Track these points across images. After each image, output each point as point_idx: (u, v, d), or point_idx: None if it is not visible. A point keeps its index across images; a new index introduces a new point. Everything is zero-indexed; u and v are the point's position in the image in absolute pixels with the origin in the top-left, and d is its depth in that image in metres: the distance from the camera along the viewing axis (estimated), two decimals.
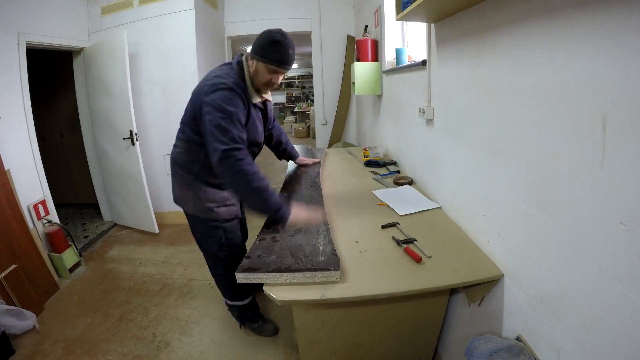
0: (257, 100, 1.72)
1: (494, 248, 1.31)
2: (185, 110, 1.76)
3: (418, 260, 1.30)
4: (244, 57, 1.67)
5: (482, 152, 1.37)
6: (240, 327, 2.28)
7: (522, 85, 1.09)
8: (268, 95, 1.84)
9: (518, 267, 1.16)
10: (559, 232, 0.94)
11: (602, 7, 0.76)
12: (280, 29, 1.57)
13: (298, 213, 1.60)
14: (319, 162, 2.66)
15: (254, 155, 1.86)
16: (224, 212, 1.85)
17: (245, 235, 2.31)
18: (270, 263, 1.29)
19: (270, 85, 1.68)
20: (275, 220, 1.60)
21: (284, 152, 2.47)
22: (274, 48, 1.55)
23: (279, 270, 1.23)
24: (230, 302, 2.17)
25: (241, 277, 1.25)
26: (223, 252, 1.92)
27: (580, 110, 0.84)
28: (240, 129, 1.55)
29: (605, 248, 0.79)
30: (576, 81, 0.85)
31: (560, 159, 0.93)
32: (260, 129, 1.83)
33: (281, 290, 1.20)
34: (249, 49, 8.82)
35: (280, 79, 1.68)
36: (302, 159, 2.64)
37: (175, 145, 1.85)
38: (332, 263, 1.24)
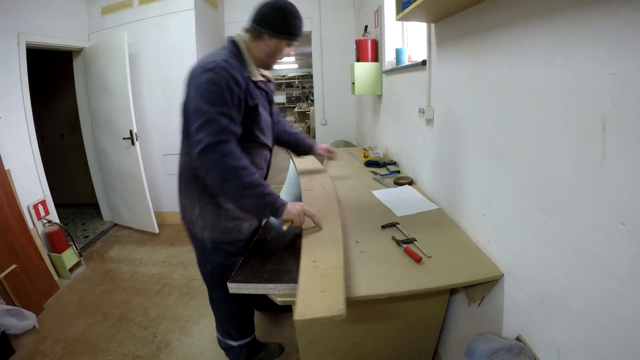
0: (258, 77, 1.47)
1: (494, 248, 1.31)
2: (182, 116, 1.50)
3: (418, 260, 1.30)
4: (238, 37, 1.46)
5: (482, 152, 1.37)
6: None
7: (522, 85, 1.08)
8: (268, 73, 1.59)
9: (518, 267, 1.16)
10: (559, 232, 0.94)
11: (602, 7, 0.76)
12: (290, 3, 1.44)
13: (296, 210, 1.38)
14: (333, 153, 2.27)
15: (267, 153, 1.63)
16: (247, 230, 1.60)
17: None
18: (264, 272, 1.26)
19: (281, 58, 1.51)
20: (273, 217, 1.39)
21: (297, 144, 2.07)
22: (295, 22, 1.44)
23: (275, 280, 1.20)
24: (235, 343, 1.80)
25: (233, 287, 1.22)
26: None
27: (580, 110, 0.84)
28: (232, 115, 1.31)
29: (605, 248, 0.79)
30: (576, 81, 0.85)
31: (560, 159, 0.93)
32: (267, 116, 1.55)
33: None
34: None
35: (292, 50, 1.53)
36: (319, 146, 2.21)
37: (181, 159, 1.58)
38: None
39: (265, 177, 1.68)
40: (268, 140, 1.59)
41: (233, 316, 1.77)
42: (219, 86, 1.27)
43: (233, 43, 1.45)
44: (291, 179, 2.46)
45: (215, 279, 1.64)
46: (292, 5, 1.43)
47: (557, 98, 0.93)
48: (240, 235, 1.57)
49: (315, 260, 1.24)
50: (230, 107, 1.30)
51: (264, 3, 1.40)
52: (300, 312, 0.98)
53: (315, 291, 1.06)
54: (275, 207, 1.34)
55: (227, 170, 1.27)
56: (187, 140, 1.49)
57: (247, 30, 1.44)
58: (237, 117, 1.34)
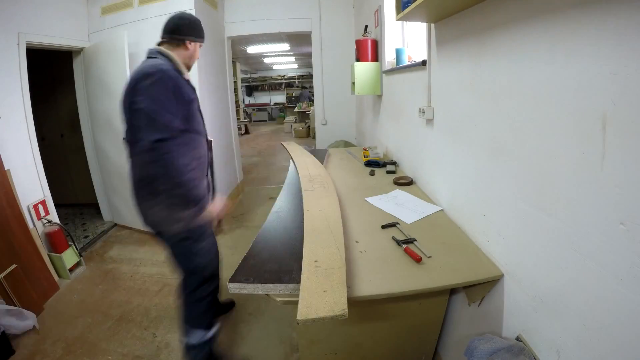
0: (188, 76, 1.73)
1: (494, 248, 1.31)
2: (125, 125, 1.52)
3: (418, 260, 1.30)
4: (164, 47, 1.68)
5: (483, 152, 1.37)
6: None
7: (523, 85, 1.08)
8: (186, 75, 1.74)
9: (518, 267, 1.16)
10: (559, 232, 0.94)
11: (602, 7, 0.76)
12: (182, 11, 1.77)
13: (216, 206, 1.69)
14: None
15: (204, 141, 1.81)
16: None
17: None
18: (264, 272, 1.25)
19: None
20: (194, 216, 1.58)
21: None
22: (201, 26, 1.75)
23: (275, 281, 1.20)
24: (195, 342, 1.84)
25: (233, 287, 1.21)
26: (209, 257, 1.83)
27: (580, 110, 0.84)
28: (172, 112, 1.47)
29: (605, 248, 0.79)
30: (576, 81, 0.85)
31: (560, 158, 0.93)
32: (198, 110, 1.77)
33: None
34: (248, 49, 8.77)
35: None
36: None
37: (131, 166, 1.58)
38: None
39: (210, 164, 1.91)
40: (204, 130, 1.83)
41: (200, 299, 1.90)
42: (162, 86, 1.46)
43: (159, 53, 1.65)
44: (291, 179, 2.46)
45: (192, 267, 1.83)
46: (191, 14, 1.74)
47: (557, 98, 0.93)
48: (207, 216, 1.70)
49: (317, 260, 1.24)
50: (173, 104, 1.49)
51: (174, 17, 1.70)
52: (303, 313, 0.97)
53: (318, 291, 1.06)
54: (199, 205, 1.59)
55: (169, 168, 1.44)
56: (134, 149, 1.52)
57: (164, 42, 1.70)
58: (177, 115, 1.51)
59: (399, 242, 1.44)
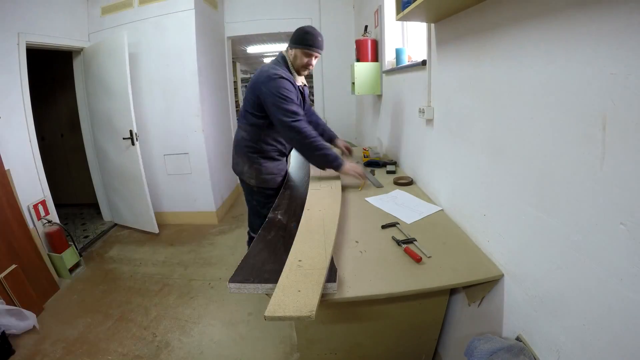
0: (298, 82, 2.18)
1: (494, 248, 1.31)
2: (245, 99, 2.19)
3: (418, 260, 1.30)
4: (285, 52, 2.16)
5: (482, 151, 1.37)
6: None
7: (522, 85, 1.08)
8: (302, 79, 2.29)
9: (518, 267, 1.16)
10: (559, 232, 0.94)
11: (602, 7, 0.76)
12: (310, 25, 2.14)
13: (351, 166, 2.11)
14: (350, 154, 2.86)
15: None
16: (280, 181, 2.33)
17: None
18: (264, 272, 1.25)
19: (307, 66, 2.14)
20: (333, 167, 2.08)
21: (322, 134, 2.68)
22: (306, 36, 2.05)
23: (275, 281, 1.18)
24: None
25: (233, 287, 1.21)
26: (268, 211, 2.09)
27: (580, 110, 0.84)
28: (297, 104, 2.01)
29: (605, 248, 0.79)
30: (576, 81, 0.85)
31: (560, 158, 0.93)
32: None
33: None
34: (248, 49, 8.74)
35: (315, 61, 2.16)
36: (339, 141, 2.85)
37: (238, 129, 2.29)
38: (330, 275, 1.18)
39: (289, 152, 2.50)
40: None
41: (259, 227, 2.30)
42: (286, 87, 1.97)
43: (283, 58, 2.15)
44: (299, 163, 2.80)
45: (257, 210, 2.39)
46: (310, 27, 2.10)
47: (557, 98, 0.92)
48: (274, 185, 2.31)
49: (302, 259, 1.25)
50: (293, 99, 2.00)
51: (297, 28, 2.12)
52: (271, 309, 0.99)
53: (292, 290, 1.07)
54: (334, 164, 2.07)
55: (304, 139, 1.98)
56: (245, 119, 2.20)
57: (287, 48, 2.16)
58: (300, 106, 2.07)
59: (398, 242, 1.44)
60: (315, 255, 1.27)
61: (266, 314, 0.98)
